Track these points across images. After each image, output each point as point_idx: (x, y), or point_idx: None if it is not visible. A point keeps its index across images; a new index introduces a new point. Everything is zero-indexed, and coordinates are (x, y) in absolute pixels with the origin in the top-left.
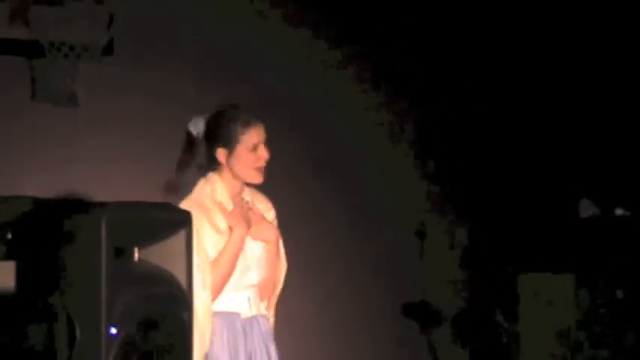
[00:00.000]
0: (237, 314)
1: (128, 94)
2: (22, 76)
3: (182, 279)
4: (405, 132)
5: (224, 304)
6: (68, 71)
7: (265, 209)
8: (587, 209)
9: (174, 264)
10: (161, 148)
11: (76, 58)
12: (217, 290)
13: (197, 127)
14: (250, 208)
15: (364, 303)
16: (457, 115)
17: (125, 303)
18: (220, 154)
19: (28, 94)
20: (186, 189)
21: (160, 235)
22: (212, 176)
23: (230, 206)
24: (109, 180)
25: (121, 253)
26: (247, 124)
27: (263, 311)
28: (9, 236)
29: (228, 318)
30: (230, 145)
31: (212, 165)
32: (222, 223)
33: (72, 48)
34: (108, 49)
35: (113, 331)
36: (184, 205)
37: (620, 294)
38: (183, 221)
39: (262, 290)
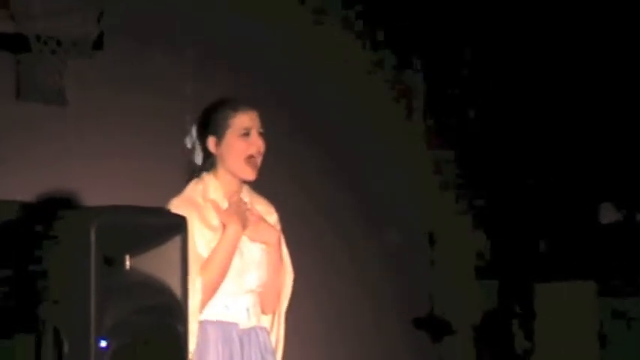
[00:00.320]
0: (235, 324)
1: (120, 91)
2: (7, 71)
3: (177, 289)
4: (419, 133)
5: (220, 312)
6: (56, 67)
7: (266, 212)
8: (608, 214)
9: (168, 273)
10: (155, 148)
11: (64, 53)
12: (209, 293)
13: (192, 137)
14: (248, 209)
15: (372, 313)
16: (475, 118)
17: (116, 314)
18: (210, 142)
19: (13, 91)
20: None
21: (153, 242)
22: (205, 176)
23: (224, 205)
24: (98, 183)
25: (111, 261)
26: (236, 107)
27: (263, 323)
28: None
29: (224, 328)
30: (219, 132)
31: (206, 164)
32: (214, 219)
33: (60, 42)
34: (98, 44)
35: (103, 344)
36: (173, 204)
37: None
38: (178, 227)
39: (265, 301)
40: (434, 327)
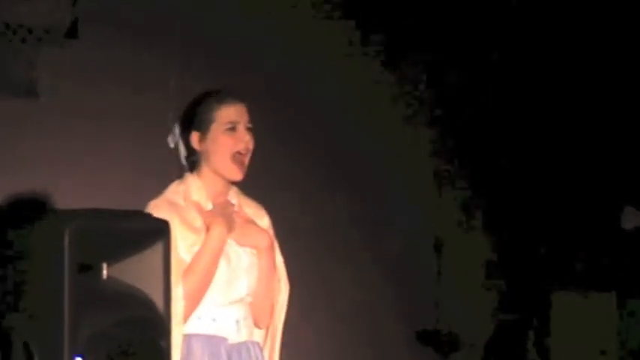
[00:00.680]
0: (223, 339)
1: (97, 84)
2: None
3: (159, 300)
4: (424, 133)
5: (207, 325)
6: (27, 57)
7: (256, 215)
8: (631, 219)
9: (150, 282)
10: (136, 147)
11: (35, 41)
12: (193, 301)
13: (175, 136)
14: (235, 211)
15: (374, 326)
16: (486, 117)
17: (92, 328)
18: (193, 138)
19: None
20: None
21: (133, 249)
22: (188, 176)
23: (208, 207)
24: (73, 184)
25: (87, 269)
26: (222, 99)
27: (256, 337)
28: None
29: (211, 342)
30: (203, 126)
31: (189, 163)
32: (197, 221)
33: (31, 30)
34: (72, 32)
35: None
36: (151, 205)
37: None
38: (160, 232)
39: (258, 313)
40: (440, 341)
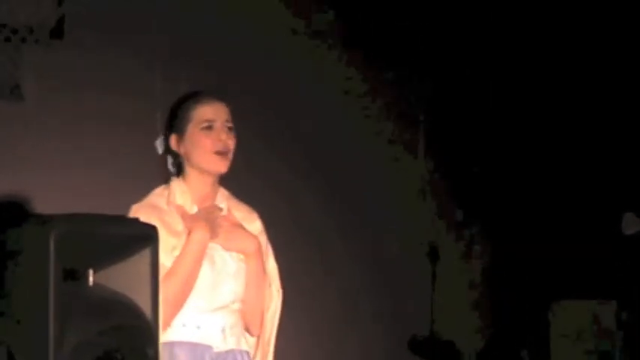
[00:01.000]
0: (208, 347)
1: (82, 85)
2: None
3: (146, 307)
4: (416, 137)
5: (191, 332)
6: (11, 57)
7: (246, 219)
8: (632, 225)
9: (137, 289)
10: (123, 151)
11: (20, 41)
12: (173, 307)
13: (163, 143)
14: (222, 215)
15: (366, 334)
16: (485, 120)
17: (77, 336)
18: (172, 140)
19: None
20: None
21: (120, 255)
22: (173, 181)
23: (193, 210)
24: (58, 189)
25: (72, 275)
26: (198, 99)
27: (244, 346)
28: None
29: (195, 351)
30: (181, 127)
31: (173, 167)
32: (178, 224)
33: (15, 30)
34: (57, 32)
35: None
36: (132, 209)
37: None
38: (148, 237)
39: (249, 320)
40: (434, 351)
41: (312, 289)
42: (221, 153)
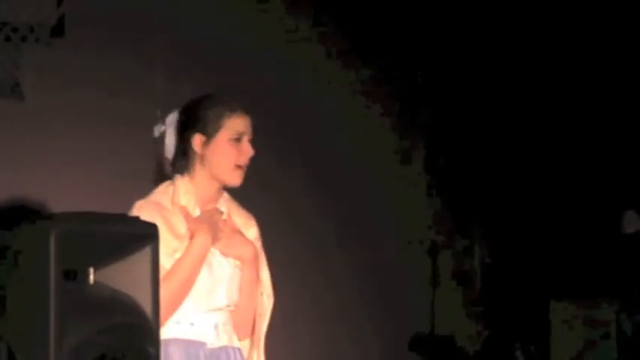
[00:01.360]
0: (202, 343)
1: (83, 84)
2: None
3: (147, 306)
4: (415, 137)
5: (185, 330)
6: (11, 57)
7: (245, 225)
8: (632, 223)
9: (138, 288)
10: (124, 149)
11: (20, 40)
12: (169, 309)
13: (161, 128)
14: (222, 219)
15: (365, 336)
16: (485, 119)
17: (78, 335)
18: (197, 140)
19: None
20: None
21: (121, 253)
22: (178, 178)
23: (196, 212)
24: (59, 188)
25: (73, 274)
26: (233, 108)
27: (236, 343)
28: None
29: (189, 347)
30: (210, 130)
31: (181, 164)
32: (182, 227)
33: (15, 29)
34: (58, 30)
35: None
36: (135, 206)
37: None
38: (148, 236)
39: (238, 324)
40: (434, 350)
41: (311, 288)
42: (241, 167)
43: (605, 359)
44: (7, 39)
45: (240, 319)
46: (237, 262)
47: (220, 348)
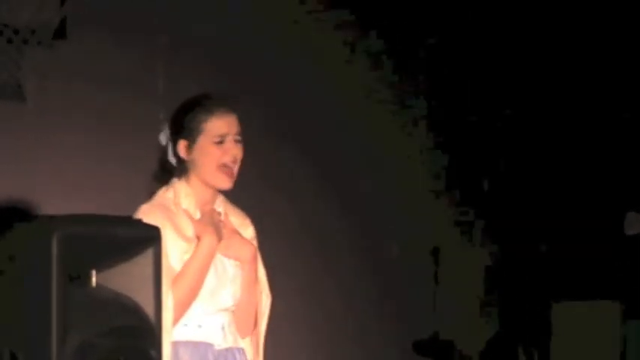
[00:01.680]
0: (210, 345)
1: (85, 86)
2: None
3: (149, 309)
4: (420, 134)
5: (193, 332)
6: (13, 58)
7: (241, 225)
8: (634, 225)
9: (140, 290)
10: (126, 151)
11: (22, 42)
12: (180, 310)
13: (167, 134)
14: (221, 220)
15: (367, 339)
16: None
17: (80, 337)
18: (181, 147)
19: None
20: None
21: (123, 256)
22: (176, 182)
23: (197, 215)
24: (61, 189)
25: (75, 277)
26: (211, 111)
27: (241, 344)
28: None
29: (198, 349)
30: (192, 135)
31: (177, 170)
32: (189, 230)
33: (17, 31)
34: (60, 32)
35: None
36: (142, 210)
37: None
38: (151, 238)
39: (240, 323)
40: (438, 351)
41: (314, 290)
42: (228, 167)
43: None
44: (9, 41)
45: (242, 317)
46: (237, 263)
47: (227, 349)
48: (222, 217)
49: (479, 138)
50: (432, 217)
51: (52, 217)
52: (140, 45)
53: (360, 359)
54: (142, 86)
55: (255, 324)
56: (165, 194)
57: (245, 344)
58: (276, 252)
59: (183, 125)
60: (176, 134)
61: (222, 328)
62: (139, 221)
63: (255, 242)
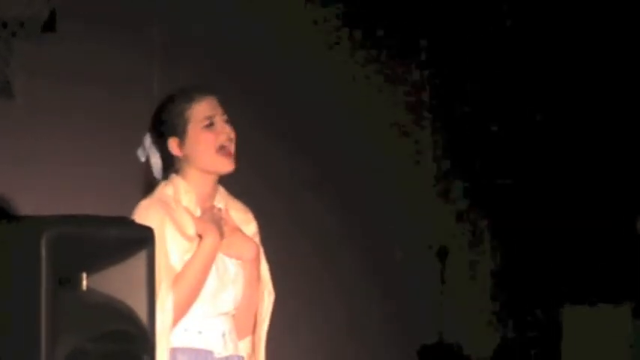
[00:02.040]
0: (209, 352)
1: (75, 81)
2: None
3: (142, 313)
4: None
5: (193, 338)
6: (1, 55)
7: (243, 221)
8: None
9: (133, 294)
10: (117, 150)
11: (10, 36)
12: (180, 312)
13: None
14: (222, 217)
15: (371, 344)
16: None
17: (70, 343)
18: (172, 145)
19: None
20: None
21: (115, 258)
22: (174, 178)
23: (197, 213)
24: (50, 189)
25: (65, 280)
26: (191, 98)
27: (241, 352)
28: None
29: (197, 356)
30: (179, 129)
31: (171, 170)
32: (190, 227)
33: (5, 24)
34: (49, 25)
35: None
36: (142, 205)
37: None
38: (144, 240)
39: (239, 323)
40: (443, 357)
41: (317, 294)
42: (225, 147)
43: None
44: None
45: (242, 318)
46: (239, 261)
47: (227, 357)
48: (224, 214)
49: (486, 138)
50: (438, 218)
51: (40, 218)
52: (133, 39)
53: None
54: (133, 81)
55: (255, 324)
56: (164, 190)
57: (243, 344)
58: (275, 252)
59: (167, 122)
60: (162, 135)
61: (223, 335)
62: (132, 222)
63: (257, 238)
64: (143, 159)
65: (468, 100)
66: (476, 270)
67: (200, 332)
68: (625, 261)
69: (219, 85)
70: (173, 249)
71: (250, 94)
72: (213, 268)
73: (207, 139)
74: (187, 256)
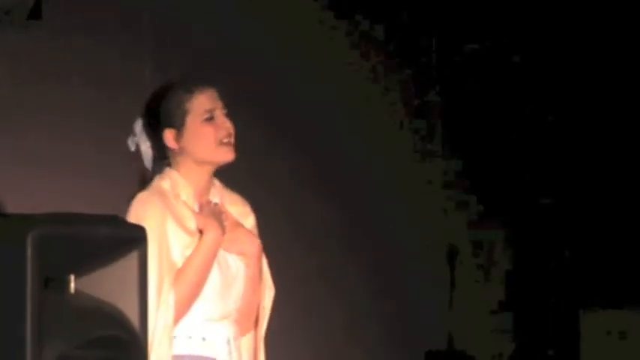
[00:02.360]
0: None
1: (63, 72)
2: None
3: (133, 316)
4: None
5: (196, 345)
6: None
7: (241, 214)
8: None
9: (123, 297)
10: (107, 145)
11: None
12: (182, 310)
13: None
14: (223, 212)
15: (378, 345)
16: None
17: (57, 349)
18: (168, 136)
19: None
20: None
21: (105, 259)
22: (170, 171)
23: (195, 207)
24: (36, 186)
25: (52, 282)
26: (191, 90)
27: (246, 359)
28: None
29: None
30: (177, 120)
31: (163, 163)
32: (190, 221)
33: None
34: (35, 12)
35: None
36: (141, 198)
37: None
38: (135, 240)
39: (242, 321)
40: None
41: (319, 297)
42: (225, 143)
43: None
44: None
45: (244, 314)
46: (241, 258)
47: None
48: (221, 208)
49: (497, 137)
50: (448, 221)
51: (26, 217)
52: (123, 27)
53: None
54: (126, 71)
55: (257, 321)
56: (160, 184)
57: (245, 341)
58: (275, 252)
59: (165, 113)
60: (158, 125)
61: (228, 342)
62: (123, 221)
63: (255, 231)
64: (133, 148)
65: (476, 99)
66: (488, 273)
67: (204, 339)
68: None
69: (217, 84)
70: (174, 244)
71: (249, 93)
72: (216, 265)
73: (207, 132)
74: (188, 252)
